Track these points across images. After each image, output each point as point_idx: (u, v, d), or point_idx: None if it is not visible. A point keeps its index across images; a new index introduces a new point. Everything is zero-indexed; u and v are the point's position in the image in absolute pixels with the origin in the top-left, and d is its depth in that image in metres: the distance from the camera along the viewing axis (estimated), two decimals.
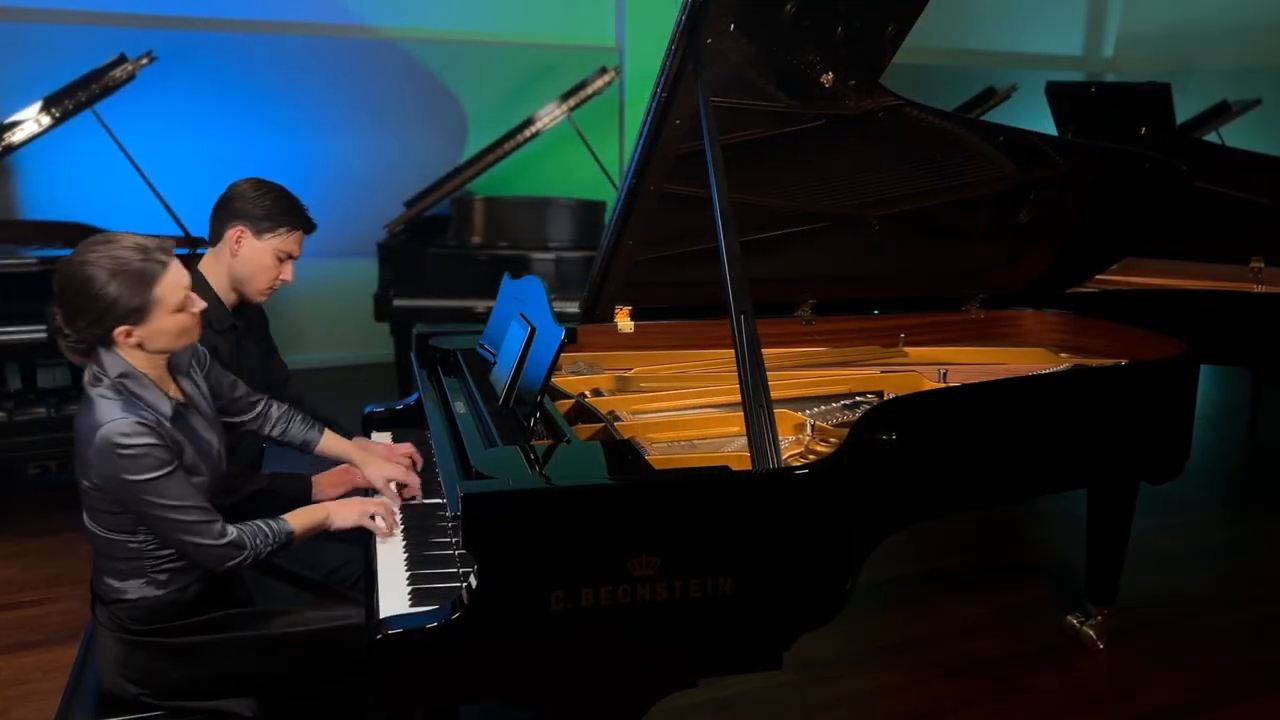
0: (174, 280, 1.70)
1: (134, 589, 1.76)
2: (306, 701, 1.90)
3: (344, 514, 1.93)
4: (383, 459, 2.17)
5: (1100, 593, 2.91)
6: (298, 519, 1.88)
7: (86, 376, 1.70)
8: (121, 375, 1.68)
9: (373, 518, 1.93)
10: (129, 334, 1.68)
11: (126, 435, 1.62)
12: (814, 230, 2.77)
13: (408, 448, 2.26)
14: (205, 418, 1.87)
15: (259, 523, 1.82)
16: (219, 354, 2.18)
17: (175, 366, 1.84)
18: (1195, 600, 3.25)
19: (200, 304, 1.76)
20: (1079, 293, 3.37)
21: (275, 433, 2.15)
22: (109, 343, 1.69)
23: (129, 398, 1.67)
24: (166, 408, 1.72)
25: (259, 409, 2.13)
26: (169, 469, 1.66)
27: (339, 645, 1.84)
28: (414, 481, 2.12)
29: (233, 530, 1.75)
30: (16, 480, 4.05)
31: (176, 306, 1.70)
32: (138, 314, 1.66)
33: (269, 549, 1.80)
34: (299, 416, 2.18)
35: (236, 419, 2.09)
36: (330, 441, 2.18)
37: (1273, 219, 3.96)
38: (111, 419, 1.63)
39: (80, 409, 1.70)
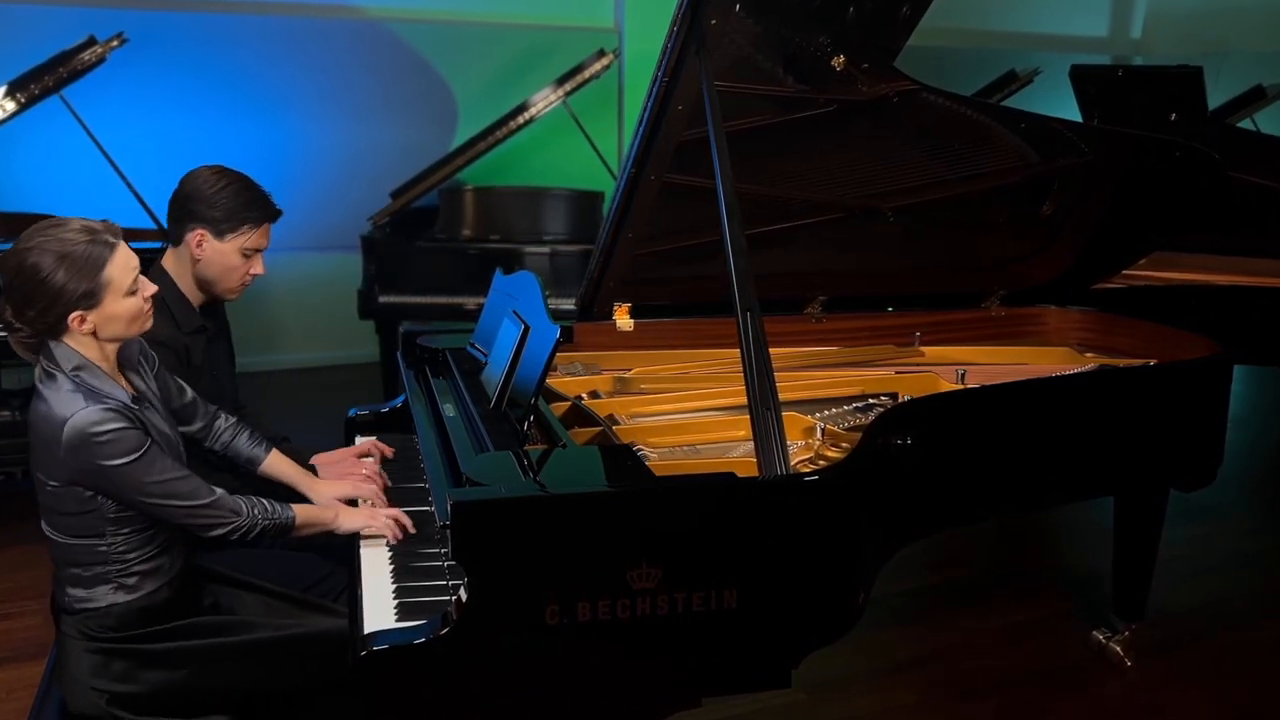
0: (123, 262, 1.72)
1: (102, 595, 1.77)
2: None
3: (353, 520, 1.95)
4: (329, 480, 2.14)
5: (1127, 606, 2.91)
6: (303, 510, 1.91)
7: (38, 373, 1.73)
8: (76, 368, 1.71)
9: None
10: (82, 320, 1.70)
11: (98, 423, 1.65)
12: (824, 222, 2.77)
13: (368, 463, 2.26)
14: (159, 412, 1.89)
15: (260, 498, 1.86)
16: (190, 356, 2.18)
17: (125, 361, 1.86)
18: (1229, 614, 3.24)
19: (151, 288, 1.80)
20: (1105, 289, 3.36)
21: (219, 445, 2.14)
22: (61, 331, 1.71)
23: (87, 390, 1.69)
24: (124, 397, 1.75)
25: (206, 418, 2.12)
26: (146, 447, 1.70)
27: (318, 653, 1.85)
28: (366, 491, 2.08)
29: (227, 494, 1.80)
30: None
31: (128, 289, 1.73)
32: (89, 298, 1.68)
33: (266, 523, 1.84)
34: (246, 431, 2.16)
35: (181, 428, 2.06)
36: (276, 462, 2.16)
37: None
38: (76, 410, 1.65)
39: (34, 406, 1.71)
